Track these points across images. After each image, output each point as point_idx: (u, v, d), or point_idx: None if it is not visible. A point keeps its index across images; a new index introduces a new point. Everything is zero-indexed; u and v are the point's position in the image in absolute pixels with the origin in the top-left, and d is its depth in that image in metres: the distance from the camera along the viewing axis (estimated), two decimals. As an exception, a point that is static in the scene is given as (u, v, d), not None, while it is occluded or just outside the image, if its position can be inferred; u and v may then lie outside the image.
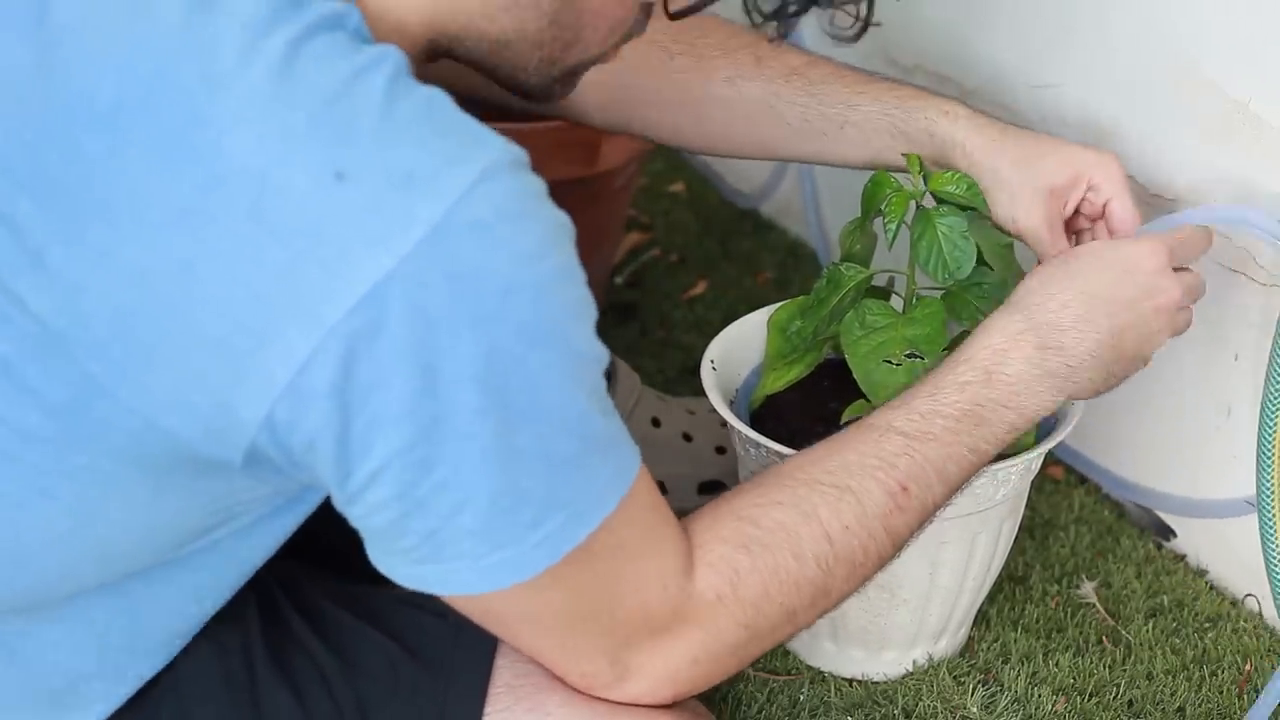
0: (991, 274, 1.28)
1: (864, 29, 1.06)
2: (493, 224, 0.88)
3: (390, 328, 0.87)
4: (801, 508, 1.05)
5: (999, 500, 1.30)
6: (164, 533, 0.98)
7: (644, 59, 1.37)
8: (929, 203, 1.28)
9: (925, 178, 1.27)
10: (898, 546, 1.09)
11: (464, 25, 1.02)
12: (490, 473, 0.91)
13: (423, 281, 0.87)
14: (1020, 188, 1.27)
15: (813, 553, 1.05)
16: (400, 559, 0.96)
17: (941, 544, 1.30)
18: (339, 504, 0.94)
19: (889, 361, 1.24)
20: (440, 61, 1.05)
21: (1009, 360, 1.13)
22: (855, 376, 1.26)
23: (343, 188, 0.87)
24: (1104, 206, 1.28)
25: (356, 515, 0.94)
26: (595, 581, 0.99)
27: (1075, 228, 1.30)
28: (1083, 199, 1.28)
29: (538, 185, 0.92)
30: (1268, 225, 1.24)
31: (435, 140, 0.89)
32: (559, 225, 0.92)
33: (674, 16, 1.08)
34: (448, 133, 0.90)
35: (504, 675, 1.08)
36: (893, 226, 1.26)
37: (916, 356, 1.24)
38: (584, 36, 1.06)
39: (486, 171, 0.89)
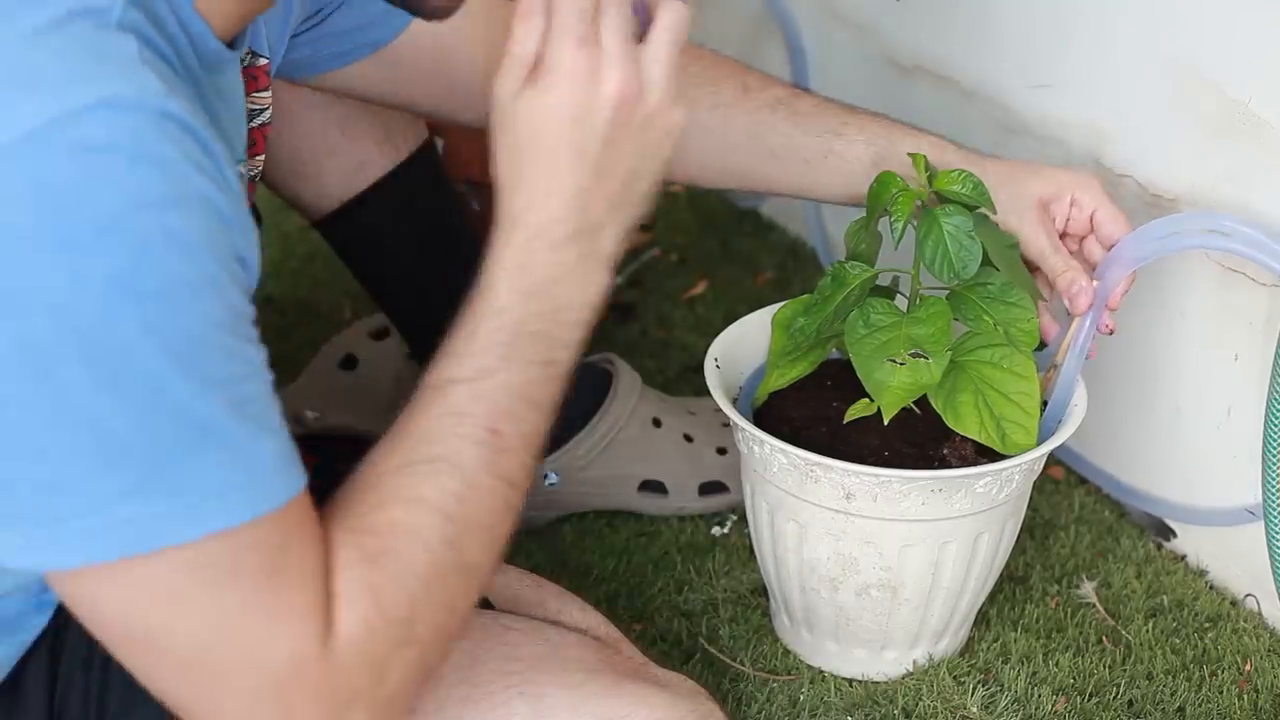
0: (997, 274, 1.28)
1: None
2: (103, 150, 0.81)
3: None
4: (403, 496, 0.96)
5: (1002, 500, 1.30)
6: None
7: None
8: (934, 202, 1.28)
9: (930, 177, 1.27)
10: (520, 487, 0.99)
11: None
12: (71, 425, 0.83)
13: (6, 187, 0.80)
14: (1011, 203, 1.29)
15: (439, 537, 0.95)
16: None
17: (944, 544, 1.30)
18: None
19: (893, 360, 1.25)
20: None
21: (531, 271, 1.00)
22: (859, 375, 1.26)
23: None
24: (1090, 219, 1.31)
25: None
26: (231, 609, 0.88)
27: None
28: (1068, 219, 1.31)
29: (196, 153, 0.85)
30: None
31: (82, 56, 0.83)
32: (207, 199, 0.85)
33: None
34: (98, 58, 0.83)
35: (491, 664, 1.07)
36: (899, 225, 1.26)
37: (921, 356, 1.24)
38: None
39: (118, 100, 0.82)
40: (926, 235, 1.26)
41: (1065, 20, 1.52)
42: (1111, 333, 1.32)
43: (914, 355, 1.25)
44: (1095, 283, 1.30)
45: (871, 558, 1.30)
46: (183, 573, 0.86)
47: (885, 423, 1.24)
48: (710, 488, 1.58)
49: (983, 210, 1.27)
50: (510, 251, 1.00)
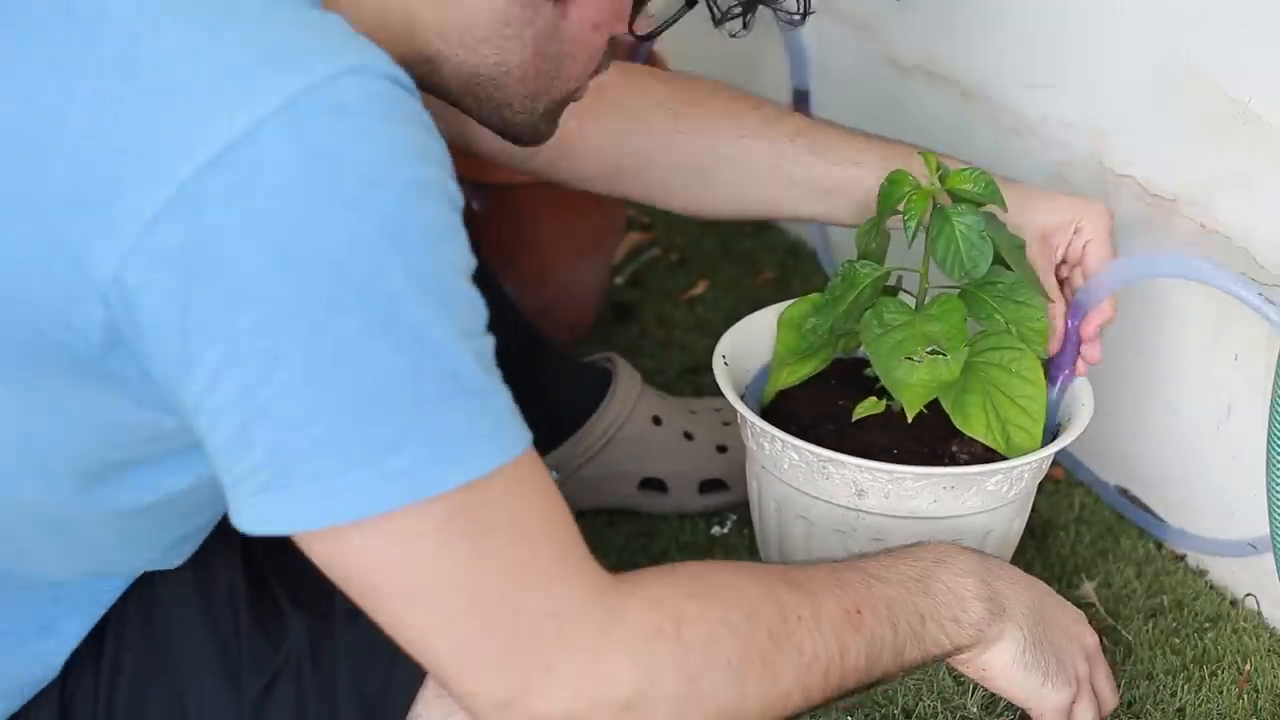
0: (1007, 273, 1.29)
1: (805, 14, 1.11)
2: (358, 113, 0.86)
3: (240, 195, 0.84)
4: (761, 585, 1.01)
5: (1011, 498, 1.30)
6: (51, 455, 0.95)
7: (650, 121, 1.38)
8: (945, 201, 1.28)
9: (942, 176, 1.28)
10: (844, 673, 1.03)
11: (439, 51, 1.02)
12: (345, 376, 0.86)
13: (273, 152, 0.84)
14: (1025, 209, 1.30)
15: (765, 621, 0.99)
16: (245, 489, 0.88)
17: (953, 541, 1.29)
18: (189, 414, 0.89)
19: (910, 358, 1.25)
20: None
21: (955, 562, 1.14)
22: (878, 372, 1.26)
23: (211, 51, 0.86)
24: (1083, 248, 1.32)
25: (204, 427, 0.88)
26: (488, 560, 0.90)
27: (1059, 275, 1.34)
28: (1069, 245, 1.32)
29: (421, 113, 0.89)
30: (1230, 285, 1.25)
31: (318, 32, 0.88)
32: (437, 154, 0.89)
33: (641, 39, 1.09)
34: (334, 33, 0.89)
35: None
36: (912, 224, 1.26)
37: (939, 353, 1.25)
38: (565, 68, 1.06)
39: (363, 68, 0.87)
40: (939, 234, 1.27)
41: (1065, 20, 1.52)
42: (1094, 362, 1.34)
43: (931, 352, 1.25)
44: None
45: (880, 555, 1.30)
46: (443, 523, 0.89)
47: (909, 420, 1.25)
48: (710, 486, 1.58)
49: (993, 209, 1.28)
50: (943, 549, 1.14)
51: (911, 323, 1.28)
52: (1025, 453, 1.27)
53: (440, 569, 0.90)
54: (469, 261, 0.90)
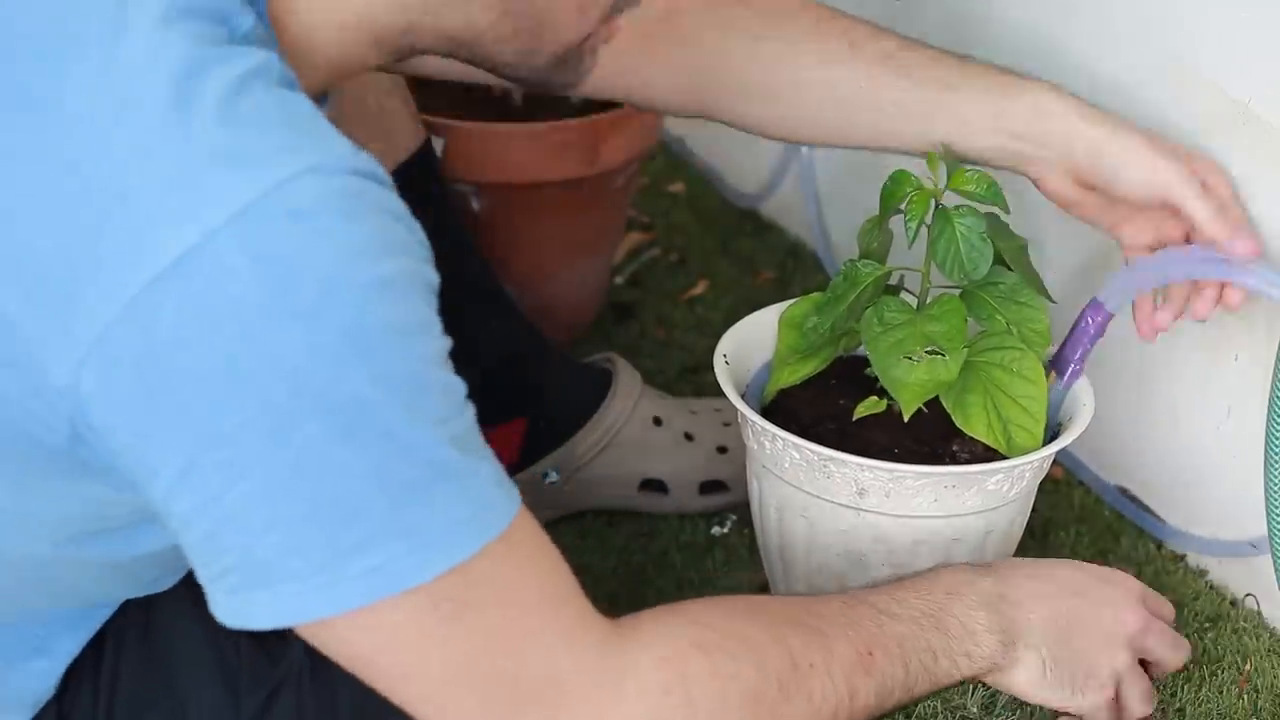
0: (1008, 274, 1.29)
1: None
2: (314, 214, 0.83)
3: (192, 308, 0.82)
4: (770, 630, 1.00)
5: (1011, 498, 1.30)
6: (30, 526, 0.95)
7: (728, 45, 1.32)
8: (949, 201, 1.28)
9: (945, 176, 1.28)
10: (853, 714, 1.03)
11: (410, 22, 0.97)
12: (305, 485, 0.85)
13: (226, 263, 0.82)
14: (1152, 138, 1.25)
15: (776, 672, 0.98)
16: (221, 587, 0.88)
17: (954, 540, 1.30)
18: (161, 510, 0.88)
19: (909, 357, 1.25)
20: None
21: (968, 594, 1.13)
22: (876, 371, 1.26)
23: (163, 150, 0.84)
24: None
25: (176, 527, 0.88)
26: (479, 636, 0.90)
27: None
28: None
29: (389, 201, 0.87)
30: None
31: (275, 129, 0.85)
32: (406, 243, 0.87)
33: None
34: (292, 126, 0.86)
35: None
36: (913, 225, 1.26)
37: (938, 352, 1.25)
38: (550, 19, 0.99)
39: (321, 166, 0.84)
40: (939, 235, 1.27)
41: (1064, 20, 1.52)
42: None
43: (930, 352, 1.25)
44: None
45: (880, 555, 1.30)
46: (426, 610, 0.88)
47: (905, 419, 1.25)
48: (710, 487, 1.58)
49: (995, 210, 1.28)
50: (954, 577, 1.14)
51: (912, 322, 1.28)
52: (1026, 452, 1.27)
53: (429, 651, 0.90)
54: (442, 348, 0.88)
